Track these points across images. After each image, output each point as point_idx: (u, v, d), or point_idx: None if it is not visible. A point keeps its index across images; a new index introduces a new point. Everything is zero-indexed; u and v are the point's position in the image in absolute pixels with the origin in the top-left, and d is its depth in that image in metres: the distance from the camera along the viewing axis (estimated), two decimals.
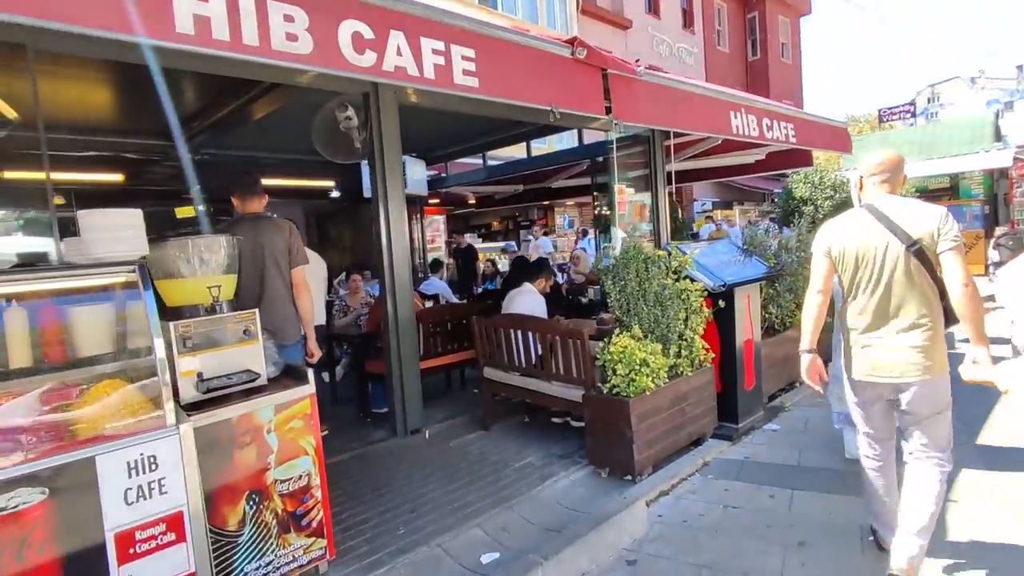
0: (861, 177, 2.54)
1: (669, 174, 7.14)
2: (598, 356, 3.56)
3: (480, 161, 10.18)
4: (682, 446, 3.86)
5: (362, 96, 4.54)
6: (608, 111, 3.36)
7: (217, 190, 9.49)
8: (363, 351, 5.29)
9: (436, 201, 11.87)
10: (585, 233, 12.70)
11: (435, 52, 2.55)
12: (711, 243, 4.71)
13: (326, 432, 5.33)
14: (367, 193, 9.65)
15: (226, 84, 6.03)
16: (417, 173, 9.92)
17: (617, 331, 3.66)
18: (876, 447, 2.58)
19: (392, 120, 4.55)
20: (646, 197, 7.18)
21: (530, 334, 4.09)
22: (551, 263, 7.97)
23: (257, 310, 2.51)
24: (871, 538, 2.76)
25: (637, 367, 3.41)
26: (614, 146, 5.40)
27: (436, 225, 12.15)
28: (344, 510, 3.40)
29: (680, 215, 7.44)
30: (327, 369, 5.92)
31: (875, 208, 2.41)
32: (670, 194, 7.68)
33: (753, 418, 4.39)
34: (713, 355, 4.09)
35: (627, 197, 6.76)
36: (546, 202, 14.08)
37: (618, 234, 4.07)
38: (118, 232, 2.14)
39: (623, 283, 3.70)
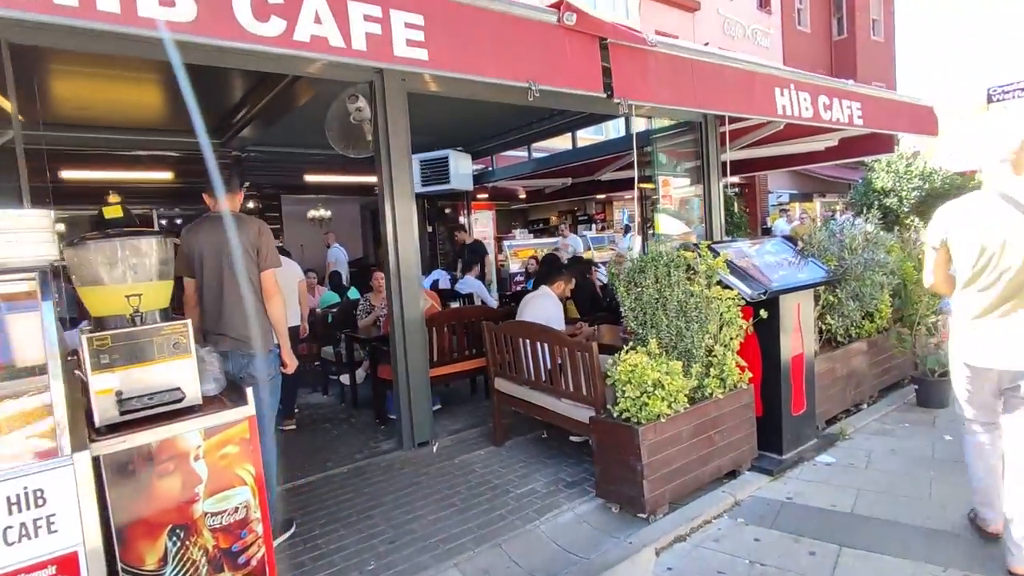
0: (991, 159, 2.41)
1: (724, 164, 6.46)
2: (608, 374, 3.09)
3: (526, 154, 9.77)
4: (710, 480, 3.31)
5: (368, 85, 4.25)
6: (609, 89, 2.85)
7: (265, 186, 9.72)
8: (378, 353, 5.03)
9: (484, 196, 11.58)
10: (627, 230, 11.94)
11: (368, 18, 2.16)
12: (758, 243, 4.09)
13: (293, 427, 5.16)
14: (416, 188, 9.59)
15: (256, 77, 5.96)
16: (462, 167, 9.66)
17: (630, 345, 3.17)
18: (981, 429, 2.61)
19: (399, 109, 4.23)
20: (697, 190, 6.53)
21: (539, 344, 3.66)
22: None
23: (190, 321, 2.24)
24: (972, 519, 2.77)
25: (650, 389, 2.91)
26: (634, 136, 4.81)
27: (484, 220, 11.86)
28: (323, 535, 3.13)
29: (738, 209, 6.72)
30: (348, 371, 5.73)
31: (1007, 194, 2.34)
32: (730, 187, 6.98)
33: (802, 448, 3.76)
34: (752, 374, 3.50)
35: (672, 191, 6.15)
36: (601, 196, 13.47)
37: (636, 239, 3.55)
38: (15, 235, 1.91)
39: (639, 290, 3.19)
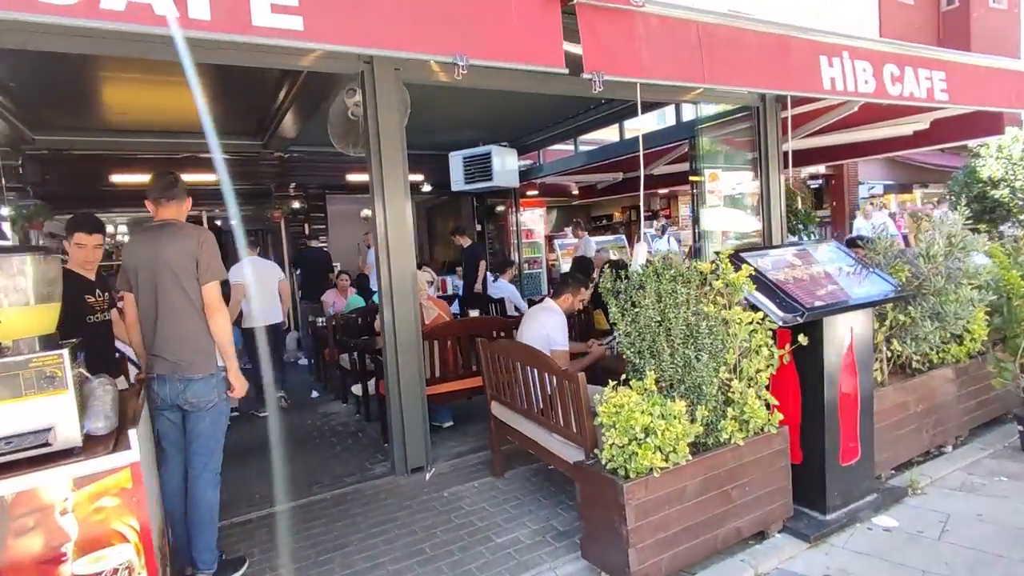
0: None
1: (785, 154, 5.62)
2: (596, 412, 2.55)
3: (572, 147, 9.20)
4: (728, 545, 2.69)
5: (359, 76, 3.89)
6: (577, 64, 2.27)
7: (310, 187, 9.72)
8: (379, 366, 4.70)
9: (534, 193, 11.09)
10: (664, 231, 10.90)
11: None
12: (808, 249, 3.37)
13: (265, 414, 5.15)
14: (455, 186, 9.29)
15: (282, 76, 5.81)
16: (507, 163, 9.21)
17: (621, 378, 2.61)
18: None
19: (390, 100, 3.84)
20: (753, 184, 5.73)
21: (529, 369, 3.16)
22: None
23: (67, 351, 1.94)
24: None
25: (639, 436, 2.36)
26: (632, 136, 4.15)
27: (535, 218, 11.36)
28: None
29: (805, 205, 5.85)
30: (361, 381, 5.46)
31: None
32: (804, 179, 6.11)
33: (855, 506, 3.03)
34: (787, 414, 2.84)
35: (721, 185, 5.41)
36: (663, 190, 12.60)
37: (640, 248, 2.96)
38: None
39: (637, 311, 2.62)
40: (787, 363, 2.89)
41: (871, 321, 3.09)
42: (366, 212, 12.65)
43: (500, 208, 11.10)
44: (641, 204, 4.26)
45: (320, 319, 6.82)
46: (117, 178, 7.68)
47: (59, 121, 6.91)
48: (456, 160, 9.21)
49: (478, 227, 11.39)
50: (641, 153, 3.90)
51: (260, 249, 7.01)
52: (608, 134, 8.84)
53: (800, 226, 6.07)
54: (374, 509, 3.45)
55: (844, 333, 2.90)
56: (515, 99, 7.16)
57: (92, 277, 2.90)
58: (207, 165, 8.12)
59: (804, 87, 2.96)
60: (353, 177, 9.47)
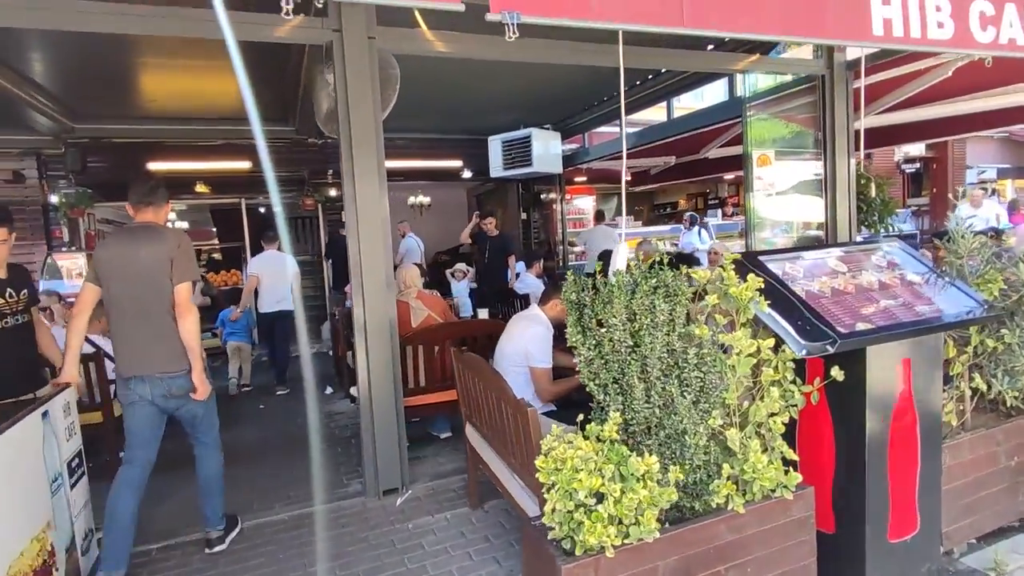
0: None
1: (856, 133, 4.70)
2: (539, 466, 1.98)
3: (617, 129, 8.44)
4: None
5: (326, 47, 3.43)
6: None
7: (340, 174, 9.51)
8: None
9: (583, 179, 10.38)
10: (693, 222, 9.66)
11: None
12: (859, 252, 2.61)
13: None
14: (494, 172, 8.79)
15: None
16: (549, 147, 8.61)
17: (580, 419, 2.03)
18: None
19: (362, 73, 3.36)
20: (812, 168, 4.84)
21: (491, 392, 2.62)
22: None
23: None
24: None
25: (586, 502, 1.77)
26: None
27: (584, 205, 10.66)
28: None
29: (880, 195, 4.89)
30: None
31: None
32: (864, 165, 5.15)
33: None
34: (800, 477, 2.14)
35: (773, 171, 4.58)
36: (729, 175, 11.51)
37: (621, 248, 2.32)
38: None
39: (603, 332, 2.02)
40: (818, 402, 2.19)
41: (941, 349, 2.31)
42: (413, 199, 12.45)
43: (547, 195, 10.47)
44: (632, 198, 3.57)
45: (337, 311, 6.57)
46: (155, 165, 7.73)
47: (99, 110, 7.00)
48: (495, 145, 8.69)
49: (523, 216, 10.84)
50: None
51: (279, 243, 6.97)
52: (655, 114, 8.01)
53: (874, 218, 5.10)
54: (328, 539, 3.05)
55: (897, 366, 2.16)
56: (555, 76, 6.56)
57: (2, 275, 2.64)
58: (243, 152, 8.09)
59: (840, 33, 2.17)
60: (394, 164, 9.15)
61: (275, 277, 6.12)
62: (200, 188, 8.22)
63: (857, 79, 4.64)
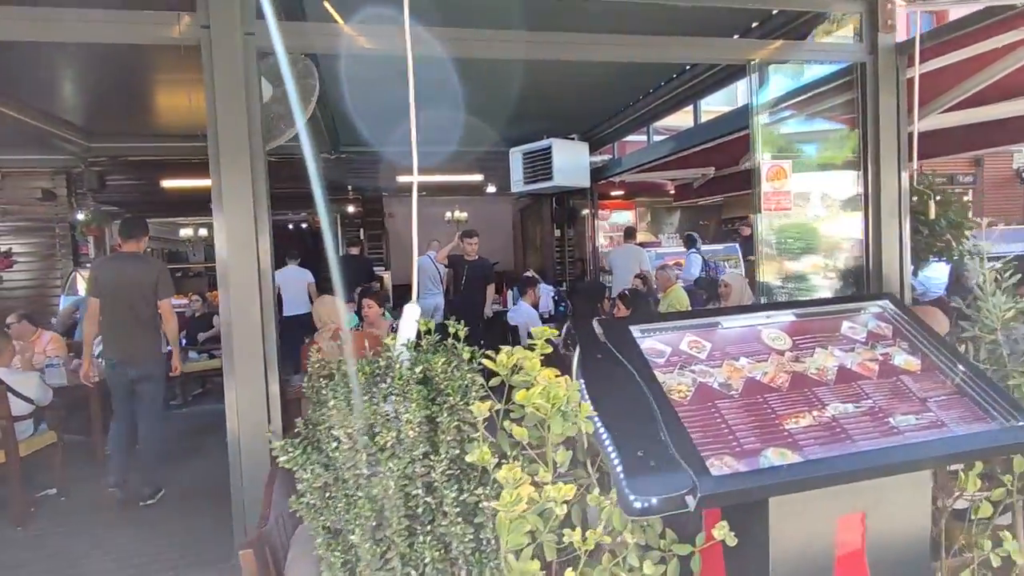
0: None
1: (909, 136, 3.62)
2: None
3: (645, 138, 7.53)
4: None
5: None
6: None
7: (367, 189, 9.19)
8: None
9: (619, 193, 9.46)
10: (692, 242, 8.22)
11: None
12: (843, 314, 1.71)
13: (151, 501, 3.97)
14: (515, 187, 8.15)
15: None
16: (572, 159, 7.86)
17: None
18: None
19: (233, 75, 2.80)
20: (847, 180, 3.78)
21: None
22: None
23: None
24: None
25: None
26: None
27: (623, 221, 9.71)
28: None
29: (938, 212, 3.76)
30: None
31: None
32: (928, 176, 4.03)
33: None
34: None
35: (788, 183, 3.59)
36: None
37: (410, 312, 1.57)
38: None
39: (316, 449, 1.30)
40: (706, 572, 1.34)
41: (929, 493, 1.38)
42: (449, 215, 12.02)
43: (584, 211, 9.65)
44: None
45: None
46: (168, 183, 7.74)
47: (115, 127, 7.07)
48: (516, 157, 8.06)
49: (557, 232, 10.07)
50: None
51: (300, 260, 7.51)
52: (685, 120, 7.04)
53: (942, 243, 3.94)
54: None
55: (833, 524, 1.27)
56: (576, 80, 5.87)
57: None
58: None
59: None
60: (405, 179, 8.74)
61: (294, 289, 7.03)
62: None
63: (911, 66, 3.58)
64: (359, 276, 7.67)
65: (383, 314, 4.84)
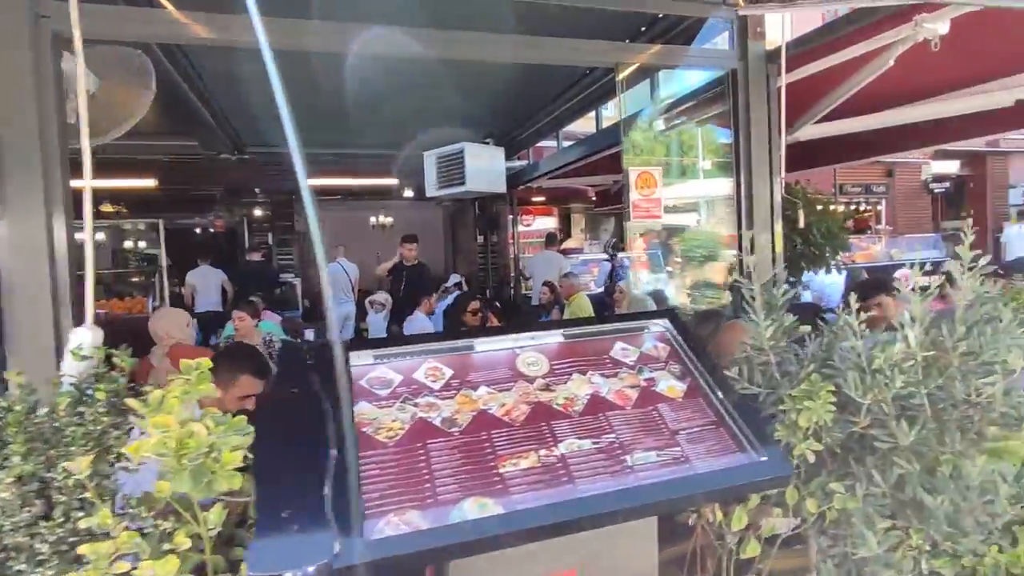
0: None
1: (787, 144, 3.59)
2: None
3: (555, 143, 7.46)
4: None
5: None
6: None
7: (276, 192, 8.81)
8: None
9: (541, 199, 9.37)
10: (609, 249, 8.01)
11: None
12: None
13: None
14: (429, 191, 7.93)
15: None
16: (486, 164, 7.70)
17: None
18: None
19: (20, 62, 2.49)
20: (720, 187, 3.74)
21: None
22: None
23: None
24: None
25: None
26: None
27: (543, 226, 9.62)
28: None
29: (807, 219, 3.75)
30: None
31: None
32: (793, 187, 4.03)
33: None
34: None
35: (657, 193, 3.50)
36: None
37: (76, 336, 1.31)
38: None
39: None
40: None
41: (654, 544, 1.23)
42: (374, 219, 11.68)
43: (504, 216, 9.50)
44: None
45: None
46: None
47: None
48: (430, 160, 7.85)
49: (479, 238, 9.90)
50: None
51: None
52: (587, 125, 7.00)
53: (812, 252, 3.94)
54: None
55: None
56: (490, 83, 5.72)
57: None
58: (150, 169, 7.43)
59: None
60: (316, 181, 8.36)
61: (209, 287, 7.09)
62: (108, 208, 7.62)
63: (778, 68, 3.56)
64: (261, 284, 7.29)
65: (257, 325, 4.51)
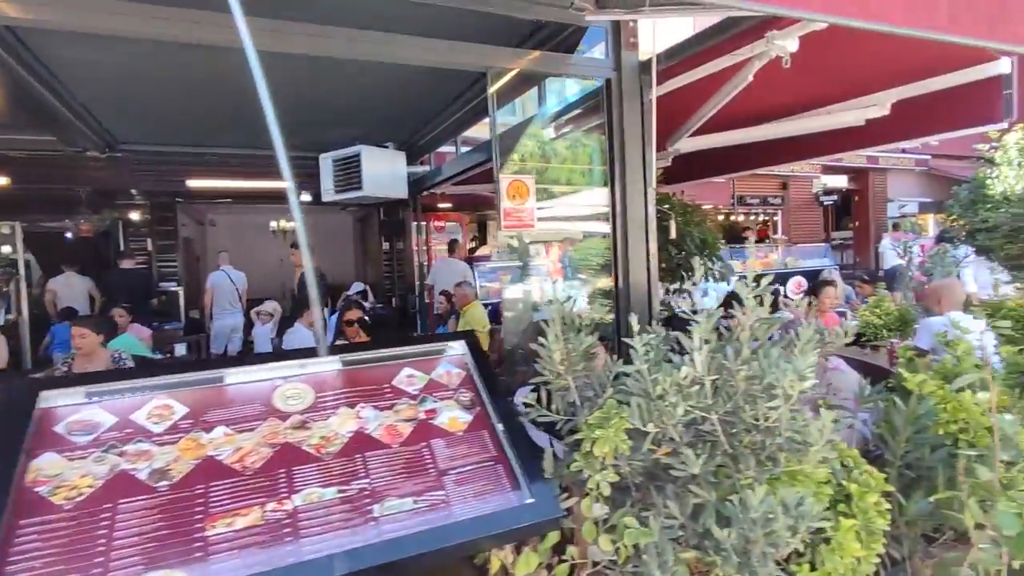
0: None
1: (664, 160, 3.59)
2: None
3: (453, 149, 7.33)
4: None
5: None
6: None
7: (157, 192, 8.14)
8: None
9: (447, 205, 9.20)
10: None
11: None
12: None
13: None
14: (325, 196, 7.56)
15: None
16: (388, 168, 7.48)
17: None
18: None
19: None
20: (596, 197, 3.71)
21: None
22: None
23: None
24: None
25: None
26: None
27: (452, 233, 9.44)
28: None
29: (693, 235, 3.78)
30: None
31: None
32: (663, 199, 4.08)
33: None
34: None
35: (530, 202, 3.42)
36: None
37: None
38: None
39: None
40: None
41: None
42: (274, 224, 11.09)
43: (410, 223, 9.22)
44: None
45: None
46: None
47: None
48: (326, 163, 7.52)
49: (386, 245, 9.59)
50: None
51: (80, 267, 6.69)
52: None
53: (687, 262, 3.98)
54: None
55: None
56: (388, 84, 5.45)
57: None
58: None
59: None
60: (203, 183, 7.81)
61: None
62: None
63: (659, 84, 3.58)
64: (134, 293, 6.68)
65: (101, 344, 4.03)
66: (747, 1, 1.68)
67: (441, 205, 9.17)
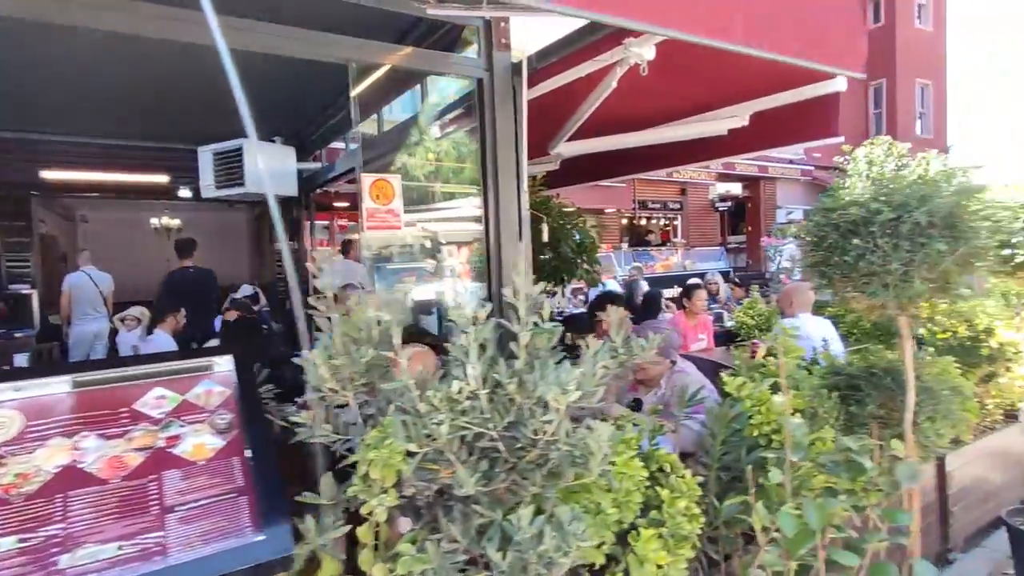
0: None
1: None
2: None
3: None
4: None
5: None
6: None
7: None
8: None
9: (345, 204, 8.88)
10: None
11: None
12: None
13: None
14: (205, 192, 7.03)
15: None
16: (277, 163, 7.05)
17: None
18: None
19: None
20: (474, 199, 3.64)
21: None
22: None
23: None
24: None
25: None
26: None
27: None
28: None
29: (572, 239, 3.78)
30: None
31: None
32: (543, 203, 4.08)
33: None
34: None
35: (396, 203, 3.29)
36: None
37: None
38: None
39: None
40: None
41: None
42: (156, 221, 10.28)
43: (304, 221, 8.81)
44: None
45: None
46: None
47: None
48: (205, 157, 6.93)
49: (293, 243, 9.10)
50: None
51: None
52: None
53: (563, 266, 4.01)
54: None
55: None
56: (265, 71, 5.07)
57: None
58: None
59: None
60: (58, 175, 7.05)
61: None
62: None
63: (537, 86, 3.55)
64: None
65: None
66: (560, 4, 1.65)
67: (338, 204, 8.81)
